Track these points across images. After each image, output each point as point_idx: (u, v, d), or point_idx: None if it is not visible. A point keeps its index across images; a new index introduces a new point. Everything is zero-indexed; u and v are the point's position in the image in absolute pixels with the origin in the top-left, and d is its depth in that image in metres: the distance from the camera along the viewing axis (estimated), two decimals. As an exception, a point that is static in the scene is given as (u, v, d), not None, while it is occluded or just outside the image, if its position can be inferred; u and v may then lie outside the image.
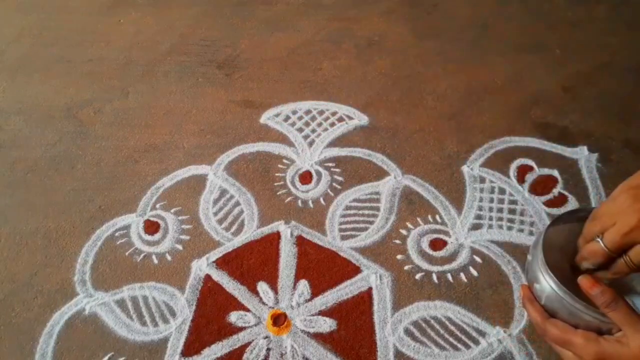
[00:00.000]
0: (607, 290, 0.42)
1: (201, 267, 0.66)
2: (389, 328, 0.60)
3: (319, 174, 0.76)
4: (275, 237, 0.69)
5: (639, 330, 0.40)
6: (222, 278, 0.65)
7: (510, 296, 0.62)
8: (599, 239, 0.42)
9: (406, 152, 0.79)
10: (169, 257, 0.67)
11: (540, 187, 0.73)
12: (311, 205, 0.73)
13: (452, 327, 0.60)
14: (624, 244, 0.39)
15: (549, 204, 0.71)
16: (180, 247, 0.68)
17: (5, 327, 0.61)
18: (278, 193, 0.74)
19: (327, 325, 0.60)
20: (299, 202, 0.73)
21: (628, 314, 0.41)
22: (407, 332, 0.60)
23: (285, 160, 0.78)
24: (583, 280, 0.44)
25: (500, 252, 0.66)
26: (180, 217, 0.71)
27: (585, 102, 0.86)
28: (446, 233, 0.69)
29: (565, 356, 0.46)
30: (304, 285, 0.64)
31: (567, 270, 0.54)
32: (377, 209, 0.72)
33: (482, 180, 0.74)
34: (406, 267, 0.65)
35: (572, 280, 0.52)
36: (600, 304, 0.42)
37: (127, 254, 0.68)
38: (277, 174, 0.76)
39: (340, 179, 0.76)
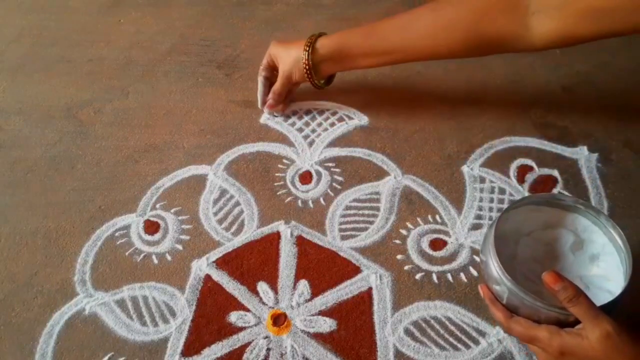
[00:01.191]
0: (569, 285, 0.45)
1: (201, 267, 0.66)
2: (389, 328, 0.60)
3: (319, 174, 0.76)
4: (275, 237, 0.69)
5: (597, 324, 0.43)
6: (222, 278, 0.65)
7: (510, 296, 0.62)
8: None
9: (406, 152, 0.79)
10: (169, 257, 0.67)
11: (540, 187, 0.73)
12: (311, 205, 0.73)
13: (452, 327, 0.60)
14: None
15: (549, 204, 0.71)
16: (180, 247, 0.68)
17: (5, 327, 0.61)
18: (278, 193, 0.74)
19: (327, 325, 0.60)
20: (299, 202, 0.73)
21: (589, 308, 0.44)
22: (407, 332, 0.60)
23: (285, 160, 0.78)
24: (547, 276, 0.47)
25: (500, 252, 0.66)
26: (180, 217, 0.71)
27: (585, 102, 0.86)
28: (446, 233, 0.69)
29: (533, 350, 0.49)
30: (304, 285, 0.64)
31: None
32: (377, 209, 0.72)
33: (482, 180, 0.74)
34: (406, 267, 0.65)
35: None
36: (562, 299, 0.45)
37: (127, 254, 0.68)
38: (277, 174, 0.76)
39: (340, 179, 0.76)
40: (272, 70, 0.80)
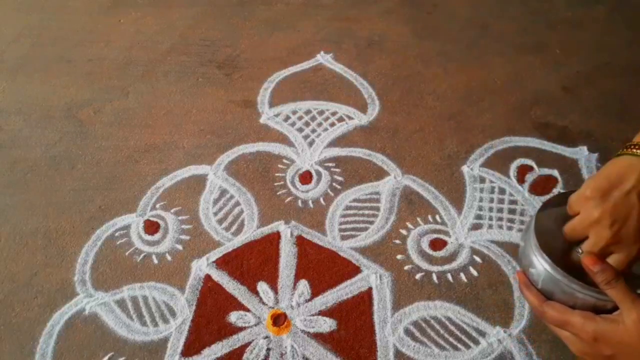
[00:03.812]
0: (608, 268, 0.44)
1: (201, 267, 0.66)
2: (389, 328, 0.60)
3: (319, 174, 0.76)
4: (275, 237, 0.69)
5: (634, 308, 0.42)
6: (222, 278, 0.65)
7: (510, 296, 0.62)
8: (579, 252, 0.45)
9: (406, 152, 0.79)
10: (169, 257, 0.67)
11: (540, 187, 0.73)
12: (311, 205, 0.73)
13: (452, 327, 0.60)
14: (602, 255, 0.43)
15: (549, 204, 0.71)
16: (180, 247, 0.68)
17: (5, 327, 0.61)
18: (278, 193, 0.74)
19: (327, 325, 0.60)
20: (299, 202, 0.73)
21: (626, 291, 0.43)
22: (407, 332, 0.60)
23: (285, 160, 0.78)
24: (586, 258, 0.45)
25: (500, 252, 0.66)
26: (180, 217, 0.71)
27: (585, 102, 0.86)
28: (446, 233, 0.69)
29: (564, 337, 0.47)
30: (304, 285, 0.64)
31: (559, 251, 0.55)
32: (377, 209, 0.72)
33: (482, 180, 0.74)
34: (406, 267, 0.65)
35: (565, 261, 0.53)
36: (600, 282, 0.44)
37: (127, 254, 0.68)
38: (277, 174, 0.76)
39: (340, 179, 0.76)
40: None
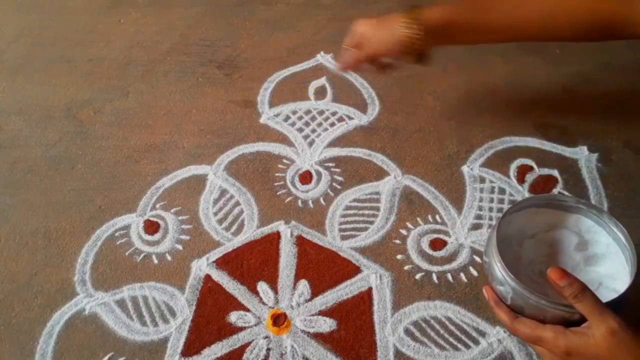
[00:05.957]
0: (575, 281, 0.44)
1: (201, 267, 0.66)
2: (389, 328, 0.60)
3: (319, 174, 0.76)
4: (275, 237, 0.69)
5: (603, 320, 0.42)
6: (222, 278, 0.65)
7: (510, 296, 0.62)
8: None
9: (406, 152, 0.79)
10: (169, 257, 0.67)
11: (540, 187, 0.73)
12: (311, 205, 0.73)
13: (452, 327, 0.60)
14: None
15: (549, 204, 0.71)
16: (180, 247, 0.68)
17: (5, 327, 0.61)
18: (278, 193, 0.74)
19: (327, 325, 0.60)
20: (299, 202, 0.73)
21: (594, 304, 0.43)
22: (407, 332, 0.60)
23: (285, 160, 0.78)
24: (552, 272, 0.46)
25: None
26: (180, 217, 0.71)
27: (585, 102, 0.86)
28: (446, 233, 0.69)
29: (539, 352, 0.48)
30: (304, 285, 0.64)
31: (525, 262, 0.55)
32: (377, 209, 0.72)
33: (482, 180, 0.74)
34: (406, 267, 0.65)
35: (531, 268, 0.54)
36: (568, 296, 0.44)
37: (127, 254, 0.68)
38: (277, 174, 0.76)
39: (340, 179, 0.76)
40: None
